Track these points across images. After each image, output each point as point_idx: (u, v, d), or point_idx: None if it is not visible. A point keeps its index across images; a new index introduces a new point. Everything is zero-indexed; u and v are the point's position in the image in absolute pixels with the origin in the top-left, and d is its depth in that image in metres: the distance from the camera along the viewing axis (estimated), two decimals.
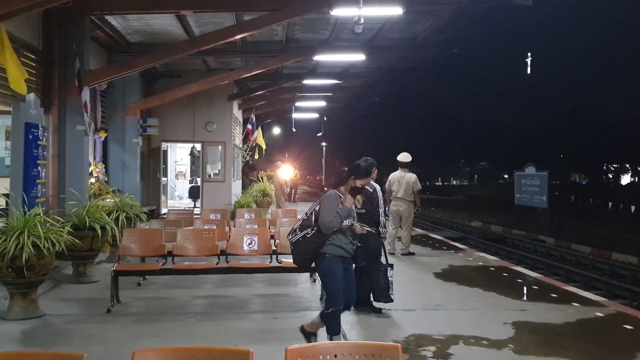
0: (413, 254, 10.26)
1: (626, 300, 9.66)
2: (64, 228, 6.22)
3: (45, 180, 8.40)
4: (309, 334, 4.76)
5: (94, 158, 12.11)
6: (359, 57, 13.59)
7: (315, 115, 29.13)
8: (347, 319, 5.60)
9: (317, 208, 4.70)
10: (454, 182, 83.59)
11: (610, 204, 33.53)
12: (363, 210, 6.01)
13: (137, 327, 5.61)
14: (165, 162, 18.26)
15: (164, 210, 15.89)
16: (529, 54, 40.45)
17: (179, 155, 20.76)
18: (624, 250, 14.69)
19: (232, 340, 5.13)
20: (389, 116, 58.41)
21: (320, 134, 42.27)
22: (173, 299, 6.88)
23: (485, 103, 52.02)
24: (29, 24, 8.56)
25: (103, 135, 12.74)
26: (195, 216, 10.37)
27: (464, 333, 5.39)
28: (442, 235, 15.31)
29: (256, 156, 20.24)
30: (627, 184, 50.20)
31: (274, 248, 7.15)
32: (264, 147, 20.85)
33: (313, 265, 4.94)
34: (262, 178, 18.45)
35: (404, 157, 10.26)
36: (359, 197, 4.87)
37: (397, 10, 9.80)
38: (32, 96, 7.92)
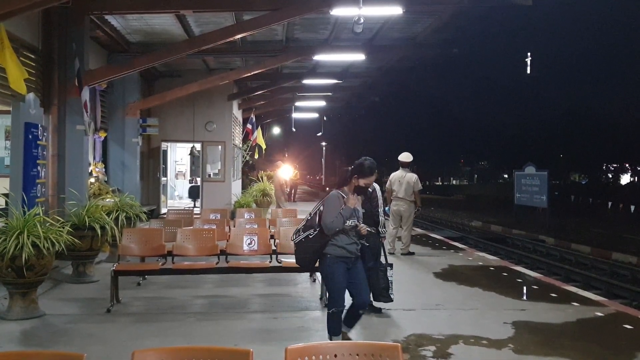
0: (413, 253, 10.25)
1: (626, 299, 9.66)
2: (63, 228, 6.22)
3: (45, 180, 8.40)
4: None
5: (94, 158, 12.11)
6: (358, 56, 13.59)
7: (315, 115, 29.14)
8: None
9: (320, 208, 4.69)
10: (454, 182, 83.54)
11: (610, 203, 33.54)
12: (363, 210, 5.99)
13: (137, 327, 5.61)
14: (165, 162, 18.27)
15: (163, 210, 15.89)
16: (529, 53, 40.35)
17: (178, 155, 20.75)
18: (623, 250, 14.68)
19: (232, 340, 5.13)
20: (389, 116, 58.37)
21: (320, 134, 42.29)
22: (173, 298, 6.88)
23: (485, 103, 51.95)
24: (28, 23, 8.56)
25: (103, 135, 12.73)
26: (195, 216, 10.36)
27: (464, 333, 5.39)
28: (442, 235, 15.31)
29: (256, 156, 20.24)
30: (627, 183, 50.19)
31: (273, 248, 7.14)
32: (263, 146, 20.85)
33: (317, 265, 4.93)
34: (262, 178, 18.45)
35: (405, 157, 10.25)
36: (359, 197, 4.85)
37: (396, 10, 9.80)
38: (31, 96, 7.92)
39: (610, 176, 54.27)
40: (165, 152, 18.07)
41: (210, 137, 17.21)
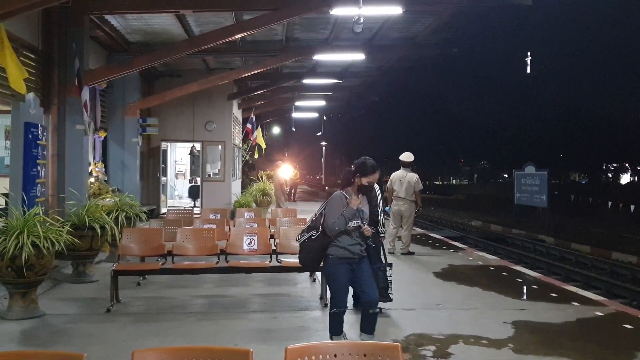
0: (413, 253, 10.26)
1: (626, 299, 9.66)
2: (63, 228, 6.22)
3: (45, 179, 8.40)
4: None
5: (94, 157, 12.11)
6: (358, 56, 13.59)
7: (315, 115, 29.13)
8: (347, 318, 5.57)
9: (324, 209, 4.70)
10: (454, 182, 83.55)
11: (609, 203, 33.50)
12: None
13: (136, 326, 5.61)
14: (165, 162, 18.26)
15: (163, 210, 15.90)
16: (529, 53, 40.32)
17: (178, 155, 20.75)
18: (623, 250, 14.68)
19: (232, 339, 5.13)
20: (389, 116, 58.31)
21: (320, 134, 42.27)
22: (173, 298, 6.88)
23: (485, 103, 51.87)
24: (28, 23, 8.56)
25: (103, 134, 12.73)
26: (194, 216, 10.36)
27: (464, 332, 5.39)
28: (442, 235, 15.31)
29: (256, 156, 20.24)
30: (627, 183, 50.18)
31: (273, 247, 7.15)
32: (263, 146, 20.86)
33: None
34: (261, 177, 18.46)
35: (406, 156, 10.25)
36: (364, 197, 4.82)
37: (396, 10, 9.80)
38: (31, 96, 7.91)
39: (610, 176, 54.28)
40: (165, 151, 18.07)
41: (210, 136, 17.21)
